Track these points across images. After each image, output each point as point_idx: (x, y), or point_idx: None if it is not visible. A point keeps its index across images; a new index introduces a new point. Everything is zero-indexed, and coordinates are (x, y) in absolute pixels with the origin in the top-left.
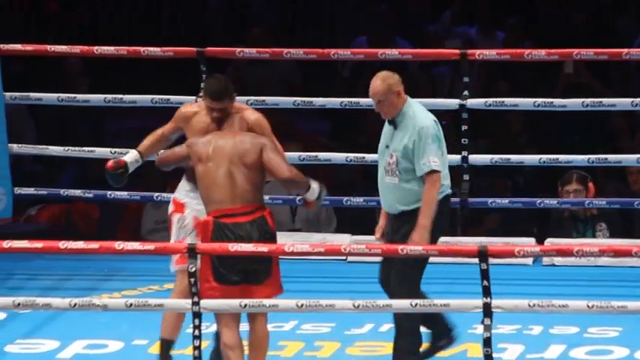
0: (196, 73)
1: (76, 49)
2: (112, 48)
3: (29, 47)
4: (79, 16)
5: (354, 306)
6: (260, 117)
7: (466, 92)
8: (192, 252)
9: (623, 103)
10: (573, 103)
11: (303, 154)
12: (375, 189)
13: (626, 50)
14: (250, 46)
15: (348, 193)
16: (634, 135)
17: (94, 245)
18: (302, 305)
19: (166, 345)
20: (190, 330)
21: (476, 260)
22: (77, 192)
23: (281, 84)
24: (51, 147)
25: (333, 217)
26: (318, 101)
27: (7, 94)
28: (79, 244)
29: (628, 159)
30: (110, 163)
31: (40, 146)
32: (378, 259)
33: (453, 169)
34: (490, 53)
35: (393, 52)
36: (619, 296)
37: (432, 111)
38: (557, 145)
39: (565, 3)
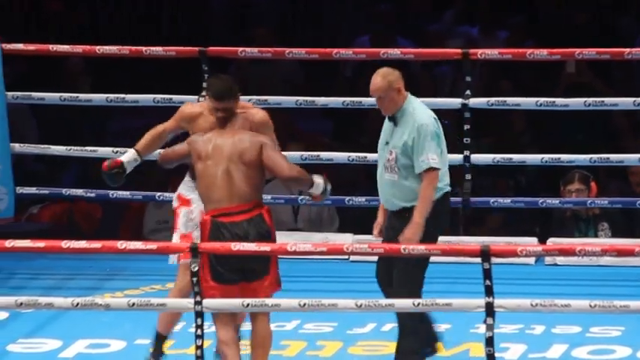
0: (198, 72)
1: (78, 48)
2: (115, 47)
3: (31, 47)
4: (79, 16)
5: (356, 305)
6: (265, 115)
7: (468, 92)
8: (194, 251)
9: (625, 102)
10: (575, 103)
11: (305, 154)
12: (377, 188)
13: (628, 50)
14: (252, 46)
15: (350, 192)
16: (636, 134)
17: (96, 245)
18: (304, 305)
19: (160, 339)
20: (193, 329)
21: (478, 260)
22: (79, 191)
23: (283, 83)
24: (53, 146)
25: (336, 216)
26: (321, 101)
27: (10, 93)
28: (82, 244)
29: (630, 158)
30: (106, 164)
31: (42, 146)
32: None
33: (455, 169)
34: (492, 53)
35: (395, 52)
36: (621, 296)
37: (434, 110)
38: (559, 144)
39: (565, 3)
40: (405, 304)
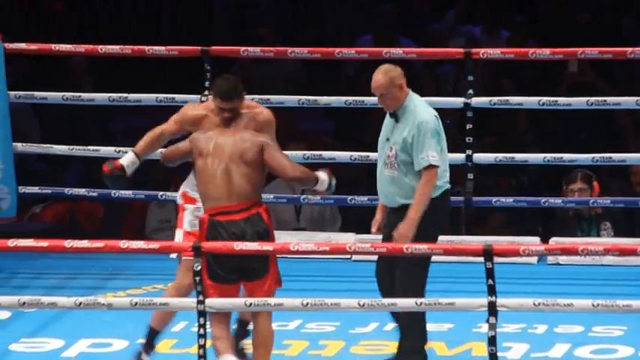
0: (200, 72)
1: (81, 48)
2: (117, 47)
3: (34, 46)
4: (79, 16)
5: (359, 305)
6: (270, 114)
7: (470, 91)
8: (197, 250)
9: (627, 101)
10: (578, 102)
11: (308, 153)
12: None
13: (630, 49)
14: (252, 46)
15: (352, 192)
16: (639, 134)
17: (98, 244)
18: (307, 304)
19: (153, 334)
20: (195, 329)
21: (481, 259)
22: (82, 191)
23: (286, 83)
24: (55, 146)
25: (338, 216)
26: (323, 100)
27: (12, 92)
28: (84, 243)
29: (633, 158)
30: (106, 166)
31: (45, 145)
32: None
33: (458, 168)
34: (494, 52)
35: (397, 52)
36: (624, 295)
37: (436, 109)
38: (562, 143)
39: (565, 3)
40: (408, 303)
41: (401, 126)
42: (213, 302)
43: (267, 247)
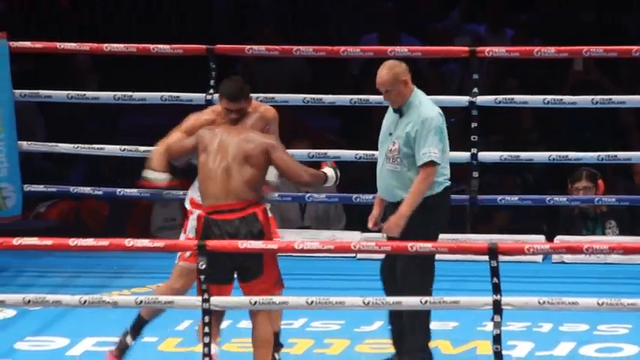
0: (205, 71)
1: (85, 46)
2: (122, 45)
3: (39, 44)
4: (79, 16)
5: (363, 303)
6: (275, 113)
7: (475, 89)
8: (201, 249)
9: (632, 100)
10: (583, 100)
11: (313, 152)
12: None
13: (635, 47)
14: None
15: (357, 190)
16: None
17: (103, 242)
18: (312, 302)
19: (141, 321)
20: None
21: (486, 258)
22: (87, 189)
23: (290, 81)
24: (60, 144)
25: (343, 214)
26: (328, 98)
27: (17, 91)
28: (89, 242)
29: (638, 156)
30: (147, 184)
31: (50, 143)
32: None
33: (463, 167)
34: (499, 50)
35: (402, 50)
36: (629, 293)
37: (441, 108)
38: (567, 142)
39: (565, 3)
40: (413, 301)
41: (405, 120)
42: (218, 300)
43: (271, 245)
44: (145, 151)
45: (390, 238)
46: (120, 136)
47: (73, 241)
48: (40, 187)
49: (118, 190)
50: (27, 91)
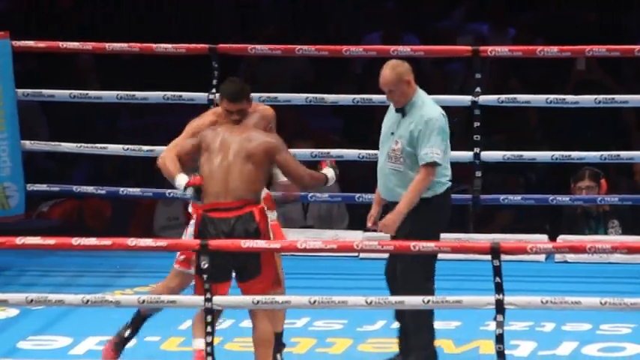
0: (207, 70)
1: (88, 45)
2: (125, 45)
3: (41, 44)
4: (79, 16)
5: (366, 302)
6: (274, 112)
7: (478, 89)
8: (204, 249)
9: (635, 99)
10: (585, 100)
11: (315, 151)
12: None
13: (638, 47)
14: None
15: (360, 189)
16: None
17: (106, 242)
18: (314, 302)
19: (139, 318)
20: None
21: (488, 257)
22: (90, 188)
23: (293, 81)
24: (63, 143)
25: (345, 213)
26: (330, 98)
27: (20, 90)
28: (92, 241)
29: None
30: (193, 180)
31: (53, 143)
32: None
33: (466, 166)
34: (502, 50)
35: (405, 49)
36: (632, 293)
37: (444, 107)
38: (570, 141)
39: (568, 2)
40: (416, 301)
41: (407, 120)
42: (221, 300)
43: (275, 245)
44: (148, 150)
45: (393, 238)
46: (123, 136)
47: (75, 241)
48: (43, 187)
49: (121, 189)
50: (30, 91)
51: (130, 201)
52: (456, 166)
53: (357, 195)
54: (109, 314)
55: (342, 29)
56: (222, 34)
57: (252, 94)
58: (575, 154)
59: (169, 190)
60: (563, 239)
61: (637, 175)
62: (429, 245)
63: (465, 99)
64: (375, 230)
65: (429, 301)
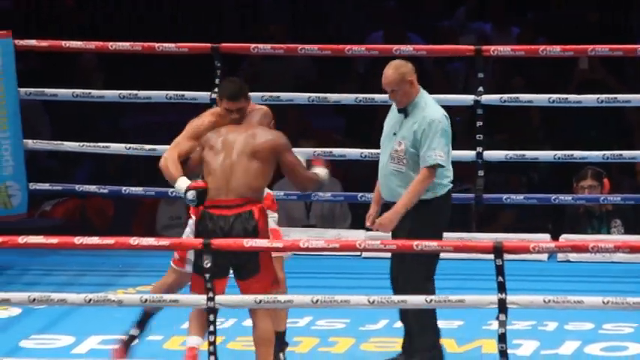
0: (210, 69)
1: (91, 44)
2: (127, 44)
3: (44, 43)
4: (79, 16)
5: (369, 302)
6: (270, 111)
7: (481, 88)
8: (207, 248)
9: (637, 99)
10: (588, 99)
11: (318, 150)
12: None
13: None
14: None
15: (362, 189)
16: None
17: (109, 241)
18: (317, 301)
19: (146, 316)
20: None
21: (491, 256)
22: (92, 188)
23: (296, 80)
24: (66, 142)
25: (348, 213)
26: (333, 97)
27: (22, 89)
28: (95, 240)
29: None
30: (196, 183)
31: (55, 142)
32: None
33: (468, 165)
34: (505, 49)
35: (407, 48)
36: (634, 292)
37: (447, 107)
38: (572, 140)
39: (566, 3)
40: (418, 300)
41: (410, 121)
42: (224, 299)
43: (277, 244)
44: (151, 149)
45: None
46: (125, 135)
47: (78, 240)
48: (46, 186)
49: (124, 188)
50: (32, 90)
51: (132, 200)
52: (458, 165)
53: (360, 194)
54: (111, 313)
55: (342, 29)
56: (223, 34)
57: (255, 94)
58: (577, 153)
59: (172, 190)
60: (565, 239)
61: (639, 175)
62: (431, 244)
63: (468, 98)
64: (376, 230)
65: (431, 301)
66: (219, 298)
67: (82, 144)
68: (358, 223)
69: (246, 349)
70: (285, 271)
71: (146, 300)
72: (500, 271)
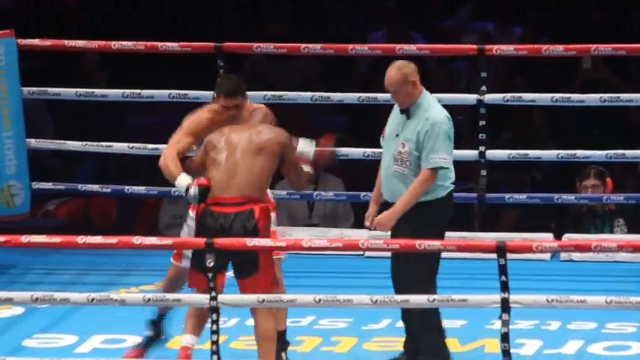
0: (212, 69)
1: (94, 44)
2: (130, 43)
3: (47, 42)
4: (79, 16)
5: (371, 301)
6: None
7: (484, 87)
8: (210, 247)
9: None
10: (591, 99)
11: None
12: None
13: None
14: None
15: (365, 188)
16: None
17: (112, 240)
18: (319, 300)
19: (160, 316)
20: (208, 325)
21: (494, 255)
22: (95, 187)
23: (299, 79)
24: (69, 142)
25: (351, 212)
26: (336, 96)
27: (25, 88)
28: (97, 239)
29: None
30: (199, 180)
31: (58, 141)
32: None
33: (471, 165)
34: (508, 49)
35: (410, 48)
36: (637, 292)
37: (450, 106)
38: (575, 140)
39: (566, 2)
40: (421, 300)
41: (412, 123)
42: (226, 298)
43: (280, 243)
44: (154, 148)
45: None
46: (128, 134)
47: (81, 239)
48: (49, 185)
49: (126, 187)
50: (35, 89)
51: (135, 199)
52: (461, 164)
53: (363, 193)
54: (114, 312)
55: (342, 29)
56: (223, 34)
57: (257, 93)
58: (580, 152)
59: (174, 189)
60: (568, 238)
61: None
62: (434, 244)
63: (471, 97)
64: (374, 229)
65: (434, 300)
66: (221, 297)
67: (84, 143)
68: (361, 223)
69: (248, 349)
70: (288, 270)
71: (149, 299)
72: (503, 270)
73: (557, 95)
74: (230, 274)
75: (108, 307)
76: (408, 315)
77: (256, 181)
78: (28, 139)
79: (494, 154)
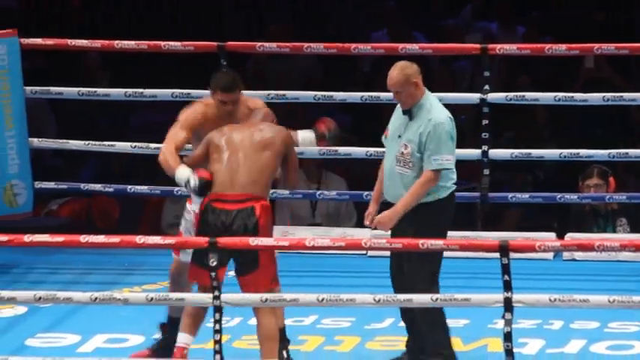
0: (215, 68)
1: (96, 43)
2: (133, 42)
3: (50, 41)
4: (79, 16)
5: (374, 300)
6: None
7: (487, 87)
8: (213, 246)
9: None
10: (594, 98)
11: (324, 149)
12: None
13: None
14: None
15: (368, 187)
16: None
17: (114, 239)
18: (322, 299)
19: (171, 322)
20: (211, 324)
21: (497, 255)
22: (97, 186)
23: (301, 79)
24: (71, 141)
25: (354, 211)
26: (339, 96)
27: (28, 88)
28: (100, 238)
29: None
30: (202, 173)
31: (61, 140)
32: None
33: (474, 164)
34: (511, 48)
35: (413, 47)
36: None
37: (452, 105)
38: (578, 139)
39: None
40: (424, 299)
41: (415, 124)
42: (229, 297)
43: (283, 242)
44: (156, 148)
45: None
46: (131, 133)
47: (84, 238)
48: (51, 184)
49: (129, 187)
50: (38, 88)
51: (137, 199)
52: (464, 163)
53: (365, 193)
54: (117, 312)
55: (343, 29)
56: (223, 34)
57: (261, 92)
58: (583, 152)
59: (177, 188)
60: (571, 237)
61: None
62: (437, 243)
63: (474, 97)
64: (374, 228)
65: (437, 299)
66: (224, 296)
67: (87, 142)
68: (363, 222)
69: (251, 348)
70: (291, 269)
71: (152, 299)
72: (506, 269)
73: (560, 94)
74: (231, 273)
75: (111, 307)
76: (411, 314)
77: (258, 178)
78: (30, 139)
79: (497, 153)
